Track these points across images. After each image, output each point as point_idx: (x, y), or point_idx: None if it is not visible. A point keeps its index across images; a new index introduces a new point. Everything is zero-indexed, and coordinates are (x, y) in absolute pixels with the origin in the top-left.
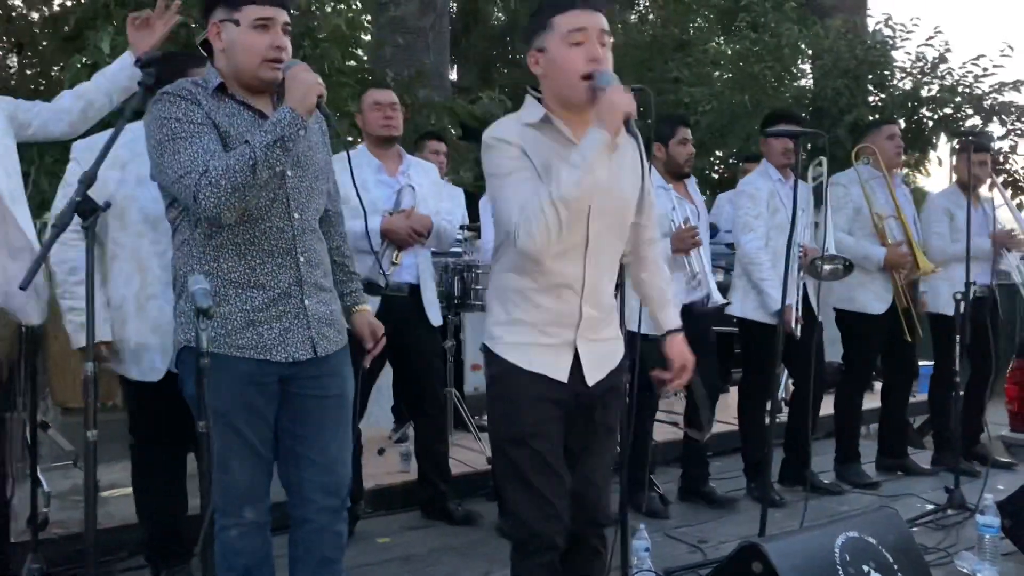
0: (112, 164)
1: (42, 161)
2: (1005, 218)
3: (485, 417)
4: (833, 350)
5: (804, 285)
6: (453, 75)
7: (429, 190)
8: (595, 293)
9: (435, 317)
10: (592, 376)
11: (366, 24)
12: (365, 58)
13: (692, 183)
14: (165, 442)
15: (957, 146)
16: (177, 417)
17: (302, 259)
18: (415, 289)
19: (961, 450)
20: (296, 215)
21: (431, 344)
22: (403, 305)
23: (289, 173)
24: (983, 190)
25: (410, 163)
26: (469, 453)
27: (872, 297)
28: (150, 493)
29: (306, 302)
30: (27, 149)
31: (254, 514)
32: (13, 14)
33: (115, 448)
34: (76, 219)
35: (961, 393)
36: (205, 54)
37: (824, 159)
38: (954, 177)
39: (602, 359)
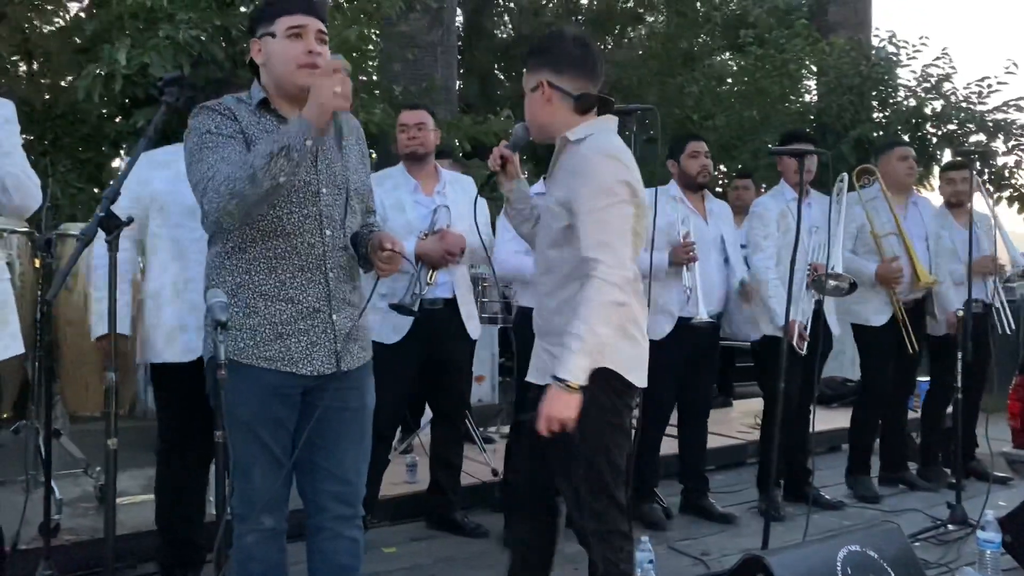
0: (156, 166)
1: (55, 171)
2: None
3: (491, 429)
4: (837, 366)
5: (820, 302)
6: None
7: (466, 207)
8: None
9: (474, 330)
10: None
11: (375, 38)
12: (373, 72)
13: (713, 199)
14: (194, 448)
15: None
16: (206, 421)
17: (331, 275)
18: (451, 303)
19: (955, 465)
20: (328, 232)
21: (466, 357)
22: (440, 318)
23: (324, 191)
24: (972, 207)
25: (446, 180)
26: (474, 465)
27: (872, 311)
28: (172, 498)
29: (334, 317)
30: (41, 158)
31: (272, 521)
32: (27, 27)
33: (126, 457)
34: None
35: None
36: (253, 74)
37: (847, 175)
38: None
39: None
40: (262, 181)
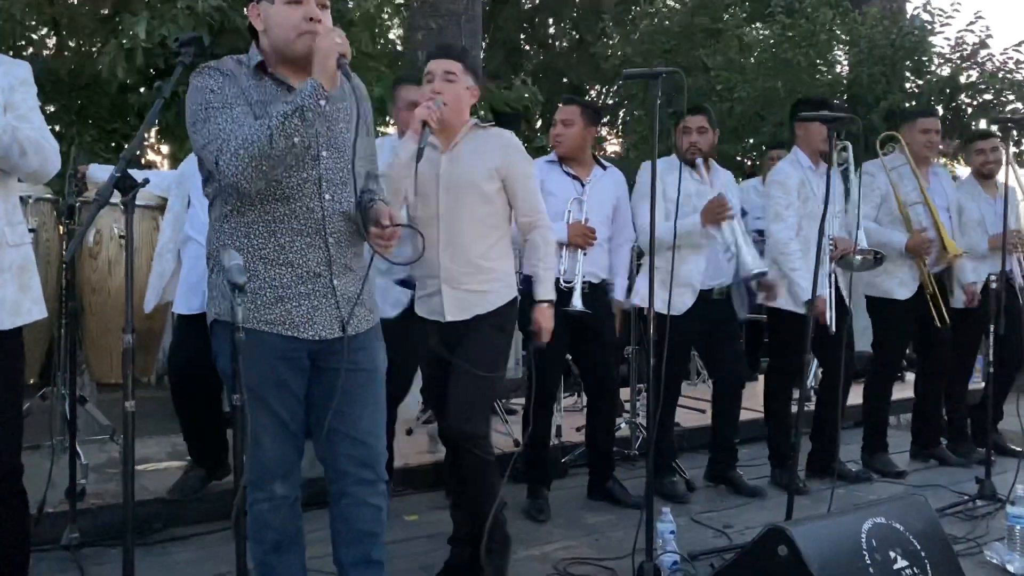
0: None
1: (81, 140)
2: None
3: (512, 400)
4: (864, 339)
5: (835, 275)
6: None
7: None
8: (452, 247)
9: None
10: (455, 315)
11: (399, 7)
12: (397, 40)
13: (717, 169)
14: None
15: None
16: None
17: (331, 240)
18: None
19: (976, 439)
20: (327, 196)
21: None
22: None
23: (324, 154)
24: (1000, 178)
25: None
26: (496, 436)
27: (896, 283)
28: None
29: (335, 282)
30: (68, 128)
31: (285, 489)
32: None
33: (148, 424)
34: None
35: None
36: (252, 38)
37: (849, 144)
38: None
39: (463, 303)
40: (278, 141)
